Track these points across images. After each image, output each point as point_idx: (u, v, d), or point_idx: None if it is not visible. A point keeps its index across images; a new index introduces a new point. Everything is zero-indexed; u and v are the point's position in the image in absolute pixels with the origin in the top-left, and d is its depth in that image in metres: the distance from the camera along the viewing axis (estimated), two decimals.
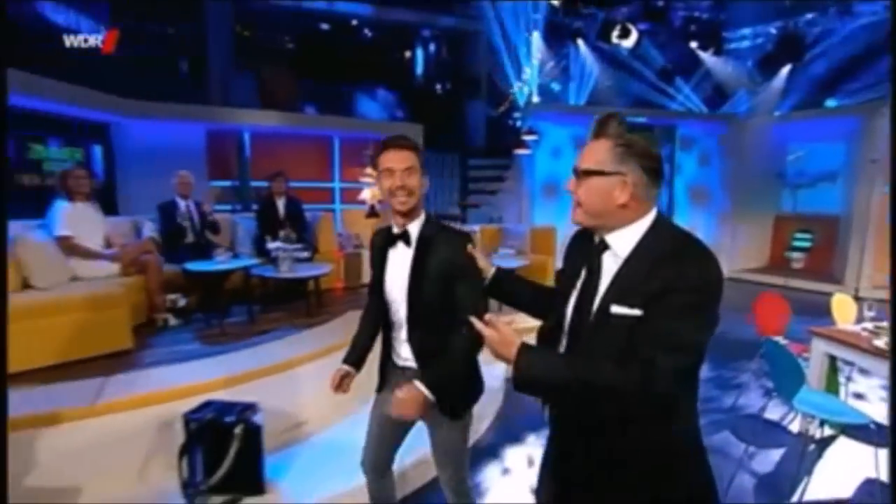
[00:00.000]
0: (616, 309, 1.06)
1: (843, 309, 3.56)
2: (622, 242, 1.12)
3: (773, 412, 3.56)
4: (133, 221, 4.62)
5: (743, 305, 4.08)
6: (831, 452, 3.09)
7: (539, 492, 1.39)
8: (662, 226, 1.13)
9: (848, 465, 2.96)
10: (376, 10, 9.66)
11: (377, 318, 1.83)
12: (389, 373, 1.83)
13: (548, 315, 1.30)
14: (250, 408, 2.40)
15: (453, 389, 1.66)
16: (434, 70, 10.57)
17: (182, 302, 4.05)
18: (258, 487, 2.35)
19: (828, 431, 3.16)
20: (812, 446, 3.04)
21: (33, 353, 2.88)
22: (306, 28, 9.80)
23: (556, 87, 9.92)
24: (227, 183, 6.93)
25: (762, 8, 8.87)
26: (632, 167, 1.09)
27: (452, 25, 10.29)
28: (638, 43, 7.72)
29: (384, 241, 1.74)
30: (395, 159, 1.61)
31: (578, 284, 1.19)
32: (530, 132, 8.49)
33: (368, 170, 7.17)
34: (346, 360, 1.83)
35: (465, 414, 1.79)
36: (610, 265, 1.14)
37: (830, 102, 8.58)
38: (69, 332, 3.05)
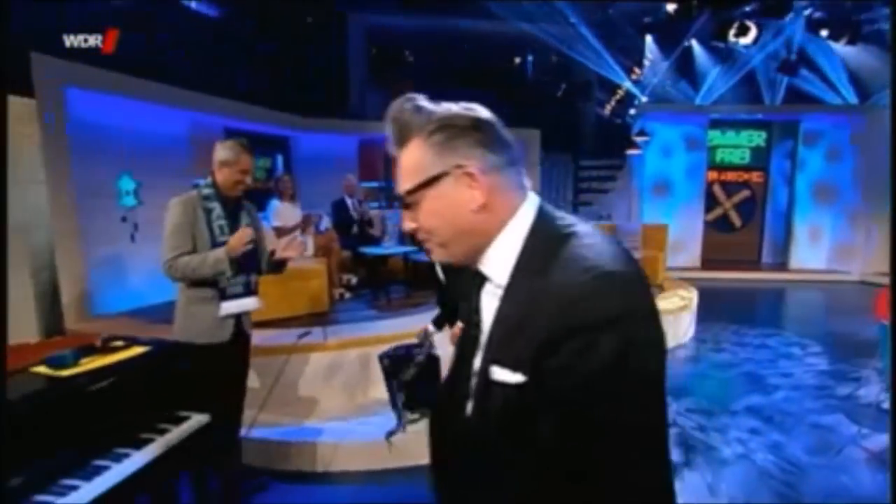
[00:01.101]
0: (497, 373, 0.71)
1: None
2: (498, 264, 0.75)
3: None
4: (313, 215, 5.83)
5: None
6: None
7: None
8: (547, 222, 0.75)
9: None
10: (490, 21, 10.41)
11: None
12: None
13: None
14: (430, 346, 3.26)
15: None
16: (545, 75, 11.06)
17: (354, 281, 5.18)
18: None
19: None
20: None
21: (271, 308, 4.01)
22: (427, 43, 10.86)
23: (667, 86, 9.96)
24: (374, 184, 8.14)
25: None
26: (465, 150, 0.73)
27: (561, 30, 10.73)
28: (757, 38, 7.56)
29: None
30: None
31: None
32: (642, 133, 8.73)
33: None
34: None
35: None
36: (490, 304, 0.77)
37: None
38: (291, 294, 4.18)
